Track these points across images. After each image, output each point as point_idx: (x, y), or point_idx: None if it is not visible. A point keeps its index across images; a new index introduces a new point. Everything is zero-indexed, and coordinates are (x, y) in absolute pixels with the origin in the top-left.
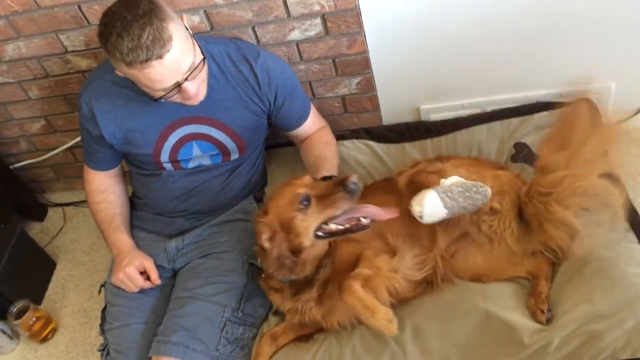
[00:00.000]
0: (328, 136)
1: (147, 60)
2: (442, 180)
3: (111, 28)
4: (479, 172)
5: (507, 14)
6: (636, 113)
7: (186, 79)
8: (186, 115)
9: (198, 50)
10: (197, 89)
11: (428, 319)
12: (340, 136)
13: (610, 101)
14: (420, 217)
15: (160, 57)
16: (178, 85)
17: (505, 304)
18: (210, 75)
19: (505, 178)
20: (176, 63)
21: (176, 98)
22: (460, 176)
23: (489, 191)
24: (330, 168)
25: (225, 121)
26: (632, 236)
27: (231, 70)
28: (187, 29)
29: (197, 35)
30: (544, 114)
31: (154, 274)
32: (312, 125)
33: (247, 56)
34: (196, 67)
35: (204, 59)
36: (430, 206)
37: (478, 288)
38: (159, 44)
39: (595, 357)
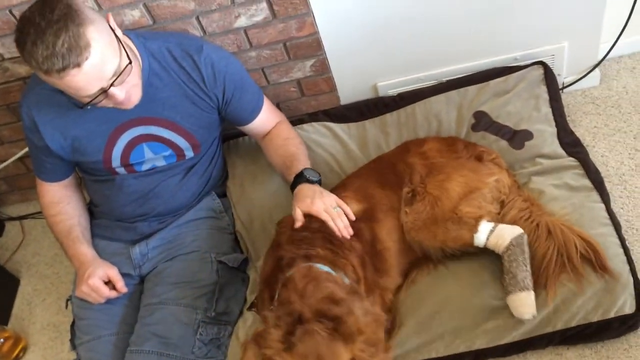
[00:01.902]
0: (287, 131)
1: (64, 69)
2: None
3: (25, 35)
4: None
5: None
6: (590, 71)
7: (112, 85)
8: (132, 117)
9: (124, 53)
10: (126, 94)
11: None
12: (299, 120)
13: (565, 60)
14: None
15: (78, 65)
16: (104, 91)
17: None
18: (153, 74)
19: None
20: (97, 70)
21: (107, 103)
22: None
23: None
24: (299, 163)
25: (173, 119)
26: (595, 196)
27: (173, 66)
28: (113, 30)
29: (135, 32)
30: (500, 79)
31: (119, 283)
32: (267, 119)
33: (189, 50)
34: (122, 72)
35: (130, 62)
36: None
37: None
38: (76, 52)
39: (568, 322)
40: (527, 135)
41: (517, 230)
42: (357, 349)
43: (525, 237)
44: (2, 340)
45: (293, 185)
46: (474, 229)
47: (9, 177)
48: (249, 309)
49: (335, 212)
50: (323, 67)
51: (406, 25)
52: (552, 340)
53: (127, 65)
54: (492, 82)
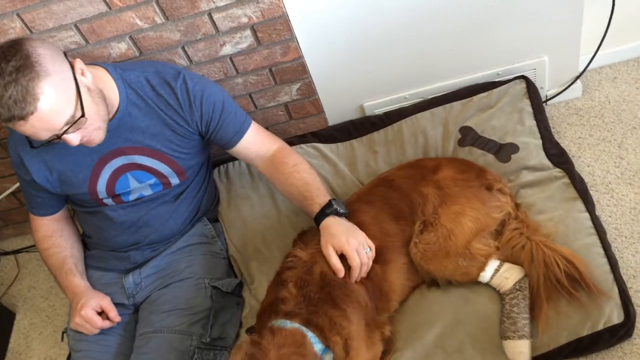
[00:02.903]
0: (293, 157)
1: (10, 120)
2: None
3: None
4: None
5: (434, 3)
6: (572, 82)
7: (65, 132)
8: (113, 148)
9: (80, 105)
10: (83, 139)
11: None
12: (287, 143)
13: (547, 73)
14: None
15: (23, 118)
16: (58, 137)
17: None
18: (131, 104)
19: None
20: (44, 122)
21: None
22: None
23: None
24: (320, 193)
25: (155, 147)
26: (580, 205)
27: (151, 95)
28: (75, 79)
29: (113, 64)
30: (483, 95)
31: (112, 312)
32: (258, 142)
33: (167, 78)
34: (75, 122)
35: (83, 115)
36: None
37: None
38: (21, 106)
39: (557, 340)
40: (513, 148)
41: (521, 273)
42: None
43: (527, 280)
44: None
45: (319, 217)
46: (482, 267)
47: (2, 212)
48: (248, 331)
49: (365, 255)
50: (309, 90)
51: (389, 46)
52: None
53: (80, 118)
54: (476, 98)
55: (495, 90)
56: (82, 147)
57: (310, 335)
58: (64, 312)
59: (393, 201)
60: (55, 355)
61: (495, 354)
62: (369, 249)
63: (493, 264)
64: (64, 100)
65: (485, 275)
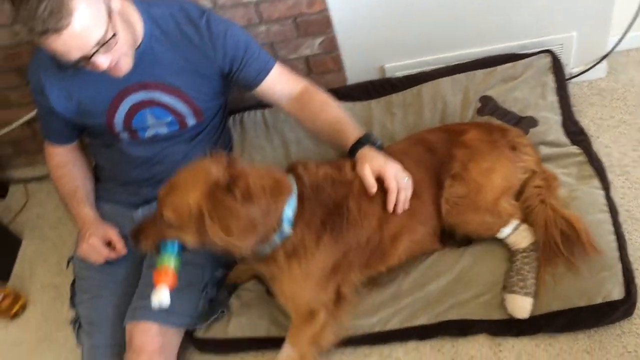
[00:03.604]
0: (320, 95)
1: (44, 33)
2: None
3: None
4: None
5: None
6: (597, 62)
7: (95, 53)
8: (135, 81)
9: (111, 25)
10: (112, 63)
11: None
12: None
13: (573, 50)
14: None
15: (57, 31)
16: (87, 59)
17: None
18: (154, 39)
19: None
20: (77, 38)
21: (94, 69)
22: None
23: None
24: (353, 127)
25: (175, 85)
26: (596, 182)
27: (175, 32)
28: (105, 1)
29: None
30: (507, 65)
31: (119, 244)
32: (283, 82)
33: (192, 16)
34: (106, 43)
35: (115, 35)
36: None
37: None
38: (55, 18)
39: (550, 306)
40: (532, 122)
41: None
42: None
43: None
44: (1, 296)
45: (355, 147)
46: (505, 224)
47: (15, 141)
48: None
49: (404, 182)
50: (332, 46)
51: (417, 8)
52: (540, 325)
53: (111, 37)
54: (500, 68)
55: (520, 62)
56: (103, 77)
57: (293, 198)
58: (71, 242)
59: (424, 162)
60: (59, 283)
61: (499, 310)
62: (407, 178)
63: (514, 223)
64: (97, 19)
65: (505, 232)
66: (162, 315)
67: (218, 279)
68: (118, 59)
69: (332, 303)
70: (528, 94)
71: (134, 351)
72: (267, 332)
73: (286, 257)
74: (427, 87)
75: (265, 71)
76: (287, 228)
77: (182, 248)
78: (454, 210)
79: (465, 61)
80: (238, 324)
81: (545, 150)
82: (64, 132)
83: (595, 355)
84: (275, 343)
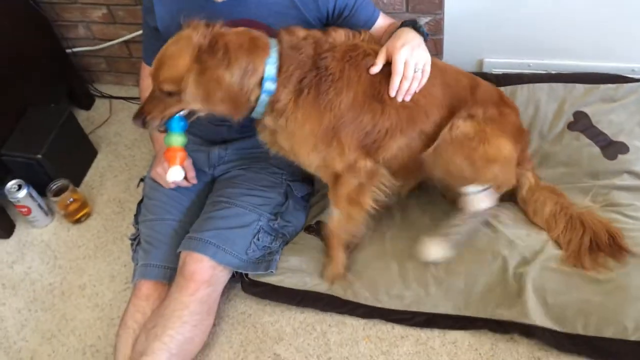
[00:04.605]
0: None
1: None
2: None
3: None
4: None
5: None
6: None
7: None
8: (237, 18)
9: None
10: None
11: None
12: None
13: None
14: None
15: None
16: None
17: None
18: None
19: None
20: None
21: None
22: None
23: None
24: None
25: (273, 26)
26: None
27: None
28: None
29: None
30: (611, 86)
31: (191, 173)
32: (382, 25)
33: None
34: None
35: None
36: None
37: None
38: None
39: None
40: (623, 148)
41: (494, 203)
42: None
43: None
44: (71, 199)
45: (398, 28)
46: (481, 184)
47: (110, 57)
48: (307, 230)
49: (412, 70)
50: (437, 28)
51: (533, 8)
52: (577, 343)
53: None
54: (602, 87)
55: (625, 85)
56: (211, 9)
57: (273, 55)
58: (142, 165)
59: (451, 87)
60: (124, 199)
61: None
62: (421, 70)
63: (486, 186)
64: None
65: (474, 189)
66: (213, 251)
67: (274, 230)
68: None
69: (358, 169)
70: (625, 119)
71: (184, 277)
72: (315, 287)
73: (277, 114)
74: (522, 89)
75: (372, 21)
76: (271, 85)
77: (186, 125)
78: (451, 145)
79: (566, 72)
80: (287, 273)
81: (627, 179)
82: None
83: None
84: (319, 299)
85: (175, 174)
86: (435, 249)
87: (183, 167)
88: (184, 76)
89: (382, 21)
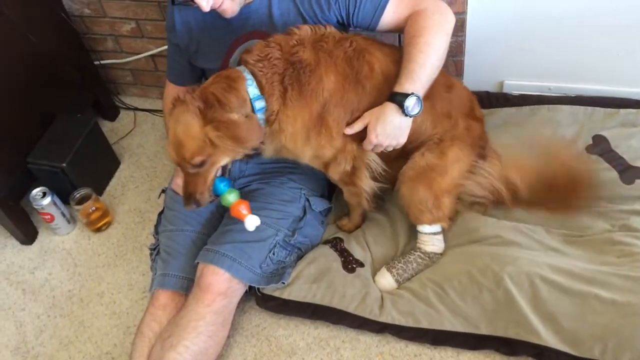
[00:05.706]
0: (415, 26)
1: None
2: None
3: None
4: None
5: (614, 6)
6: None
7: None
8: (249, 30)
9: None
10: (213, 5)
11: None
12: None
13: None
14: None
15: None
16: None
17: None
18: None
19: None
20: None
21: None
22: None
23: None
24: (407, 74)
25: None
26: None
27: None
28: None
29: None
30: (631, 111)
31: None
32: (397, 11)
33: None
34: None
35: None
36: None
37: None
38: None
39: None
40: None
41: (442, 250)
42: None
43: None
44: (93, 208)
45: (390, 96)
46: (435, 221)
47: (136, 70)
48: (325, 243)
49: (381, 149)
50: (458, 49)
51: (555, 32)
52: None
53: None
54: (623, 111)
55: None
56: (222, 24)
57: (248, 78)
58: (163, 177)
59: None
60: (145, 210)
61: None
62: (390, 148)
63: (438, 226)
64: None
65: (428, 229)
66: (229, 264)
67: (290, 245)
68: (222, 1)
69: (347, 152)
70: None
71: (201, 288)
72: (329, 302)
73: (273, 122)
74: (542, 110)
75: (382, 7)
76: (260, 103)
77: (229, 183)
78: (413, 173)
79: (586, 95)
80: (302, 288)
81: None
82: (185, 72)
83: None
84: (331, 314)
85: (252, 222)
86: (383, 280)
87: (250, 214)
88: (204, 140)
89: (393, 5)
